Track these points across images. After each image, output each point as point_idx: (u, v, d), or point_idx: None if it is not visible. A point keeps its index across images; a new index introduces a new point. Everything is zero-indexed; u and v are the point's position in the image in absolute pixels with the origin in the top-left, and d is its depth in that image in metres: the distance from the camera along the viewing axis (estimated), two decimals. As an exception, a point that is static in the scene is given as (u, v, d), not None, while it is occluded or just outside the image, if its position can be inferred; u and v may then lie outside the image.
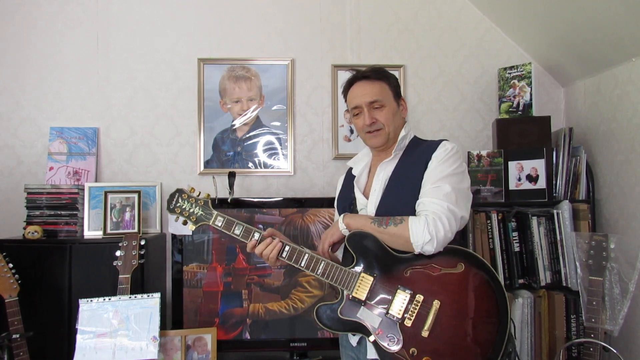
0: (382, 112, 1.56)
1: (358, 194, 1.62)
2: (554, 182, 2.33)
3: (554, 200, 2.32)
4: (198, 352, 2.10)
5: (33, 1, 2.57)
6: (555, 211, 2.28)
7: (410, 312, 1.40)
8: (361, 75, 1.60)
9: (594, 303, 1.90)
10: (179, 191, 1.63)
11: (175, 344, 2.06)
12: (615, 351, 1.87)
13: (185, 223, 1.61)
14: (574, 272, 2.16)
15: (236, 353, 2.37)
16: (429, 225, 1.37)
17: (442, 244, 1.40)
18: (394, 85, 1.60)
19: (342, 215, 1.55)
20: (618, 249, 1.94)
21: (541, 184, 2.32)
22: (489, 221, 2.28)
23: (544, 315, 2.26)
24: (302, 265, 1.51)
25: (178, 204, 1.61)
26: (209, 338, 2.11)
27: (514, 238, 2.29)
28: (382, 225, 1.44)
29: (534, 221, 2.27)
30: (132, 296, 1.89)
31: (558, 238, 2.26)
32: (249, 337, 2.27)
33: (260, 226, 2.25)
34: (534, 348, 2.24)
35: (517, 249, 2.28)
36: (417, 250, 1.41)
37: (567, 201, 2.27)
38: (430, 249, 1.39)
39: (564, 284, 2.24)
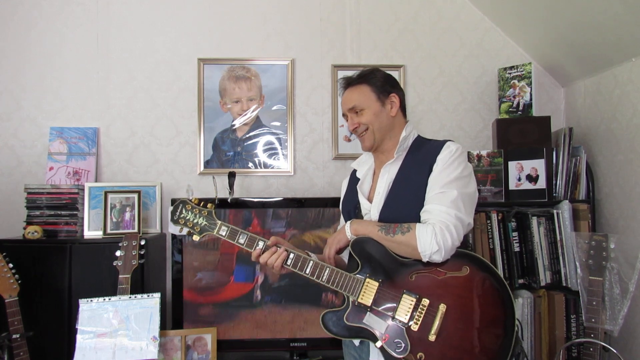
0: (363, 117, 1.57)
1: (362, 199, 1.60)
2: (554, 182, 2.33)
3: (554, 200, 2.32)
4: (198, 352, 2.10)
5: (33, 1, 2.57)
6: (555, 211, 2.27)
7: (416, 317, 1.39)
8: (345, 82, 1.64)
9: (594, 303, 1.90)
10: (183, 202, 1.63)
11: (175, 344, 2.07)
12: (615, 351, 1.87)
13: (189, 234, 1.62)
14: (574, 272, 2.16)
15: (236, 353, 2.37)
16: (437, 235, 1.37)
17: (449, 253, 1.40)
18: (378, 85, 1.58)
19: (349, 221, 1.54)
20: (618, 249, 1.94)
21: (541, 184, 2.32)
22: (489, 221, 2.28)
23: (544, 315, 2.26)
24: (307, 272, 1.51)
25: (182, 215, 1.62)
26: (209, 338, 2.11)
27: (514, 238, 2.29)
28: (389, 233, 1.44)
29: (534, 221, 2.27)
30: (132, 296, 1.89)
31: (558, 238, 2.26)
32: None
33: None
34: (534, 348, 2.24)
35: (517, 249, 2.28)
36: (425, 259, 1.40)
37: (567, 201, 2.27)
38: (438, 259, 1.39)
39: (564, 284, 2.24)
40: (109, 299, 1.87)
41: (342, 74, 2.61)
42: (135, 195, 2.37)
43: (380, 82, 1.59)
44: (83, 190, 2.39)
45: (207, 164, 2.60)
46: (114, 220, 2.34)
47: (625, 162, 2.17)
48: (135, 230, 2.32)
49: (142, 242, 2.00)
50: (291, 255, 1.52)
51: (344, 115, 1.65)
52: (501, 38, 2.69)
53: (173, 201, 2.24)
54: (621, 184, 2.20)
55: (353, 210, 1.63)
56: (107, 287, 2.04)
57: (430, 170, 1.47)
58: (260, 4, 2.64)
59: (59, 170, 2.49)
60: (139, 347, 1.82)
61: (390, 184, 1.54)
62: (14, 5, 2.56)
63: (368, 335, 1.44)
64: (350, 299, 1.47)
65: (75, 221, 2.32)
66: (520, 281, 2.28)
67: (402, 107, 1.63)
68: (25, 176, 2.52)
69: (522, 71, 2.48)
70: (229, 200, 2.29)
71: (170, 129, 2.61)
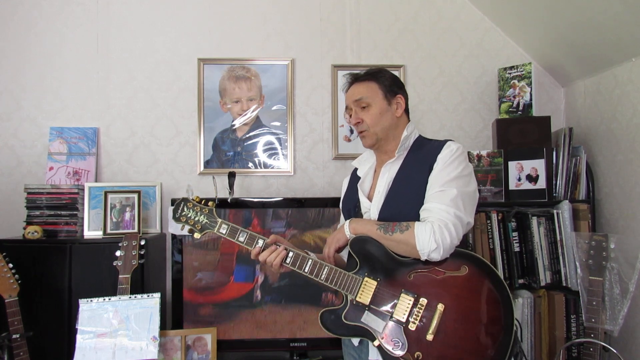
0: (368, 113, 1.56)
1: (362, 198, 1.61)
2: (554, 182, 2.33)
3: (554, 200, 2.31)
4: (198, 352, 2.10)
5: (33, 1, 2.57)
6: (555, 211, 2.27)
7: (414, 316, 1.40)
8: (353, 77, 1.63)
9: (594, 303, 1.90)
10: (184, 200, 1.64)
11: (175, 344, 2.07)
12: (615, 351, 1.87)
13: (191, 232, 1.63)
14: (574, 272, 2.16)
15: (236, 353, 2.37)
16: (435, 233, 1.37)
17: (448, 251, 1.40)
18: (386, 84, 1.59)
19: (348, 220, 1.54)
20: (618, 249, 1.94)
21: (541, 184, 2.32)
22: (489, 221, 2.28)
23: (544, 315, 2.26)
24: (306, 270, 1.51)
25: (184, 213, 1.63)
26: (209, 338, 2.11)
27: (514, 238, 2.29)
28: (388, 231, 1.44)
29: (534, 221, 2.27)
30: (132, 296, 1.89)
31: (558, 238, 2.26)
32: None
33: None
34: (534, 348, 2.24)
35: (517, 249, 2.28)
36: (423, 258, 1.40)
37: (567, 201, 2.27)
38: (436, 257, 1.39)
39: (564, 284, 2.24)
40: (109, 299, 1.87)
41: (342, 74, 2.62)
42: (135, 195, 2.37)
43: (389, 81, 1.60)
44: (83, 190, 2.39)
45: (207, 164, 2.60)
46: (114, 220, 2.34)
47: (625, 162, 2.17)
48: (135, 230, 2.32)
49: (142, 242, 2.00)
50: (290, 254, 1.53)
51: (346, 109, 1.63)
52: (501, 38, 2.69)
53: (173, 201, 2.25)
54: (621, 184, 2.20)
55: (353, 209, 1.63)
56: (107, 287, 2.04)
57: (431, 169, 1.48)
58: (260, 4, 2.64)
59: (59, 170, 2.49)
60: (139, 347, 1.82)
61: (390, 182, 1.54)
62: (14, 5, 2.56)
63: (366, 334, 1.44)
64: (349, 298, 1.47)
65: (75, 221, 2.32)
66: (520, 281, 2.28)
67: (406, 109, 1.64)
68: (25, 176, 2.52)
69: (522, 71, 2.48)
70: (229, 200, 2.29)
71: (170, 129, 2.61)
